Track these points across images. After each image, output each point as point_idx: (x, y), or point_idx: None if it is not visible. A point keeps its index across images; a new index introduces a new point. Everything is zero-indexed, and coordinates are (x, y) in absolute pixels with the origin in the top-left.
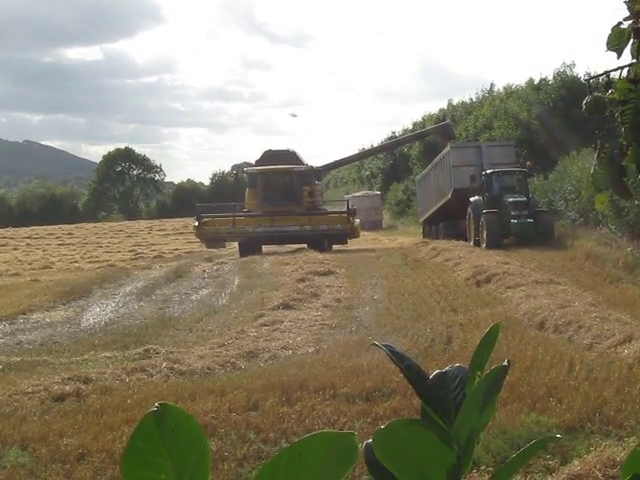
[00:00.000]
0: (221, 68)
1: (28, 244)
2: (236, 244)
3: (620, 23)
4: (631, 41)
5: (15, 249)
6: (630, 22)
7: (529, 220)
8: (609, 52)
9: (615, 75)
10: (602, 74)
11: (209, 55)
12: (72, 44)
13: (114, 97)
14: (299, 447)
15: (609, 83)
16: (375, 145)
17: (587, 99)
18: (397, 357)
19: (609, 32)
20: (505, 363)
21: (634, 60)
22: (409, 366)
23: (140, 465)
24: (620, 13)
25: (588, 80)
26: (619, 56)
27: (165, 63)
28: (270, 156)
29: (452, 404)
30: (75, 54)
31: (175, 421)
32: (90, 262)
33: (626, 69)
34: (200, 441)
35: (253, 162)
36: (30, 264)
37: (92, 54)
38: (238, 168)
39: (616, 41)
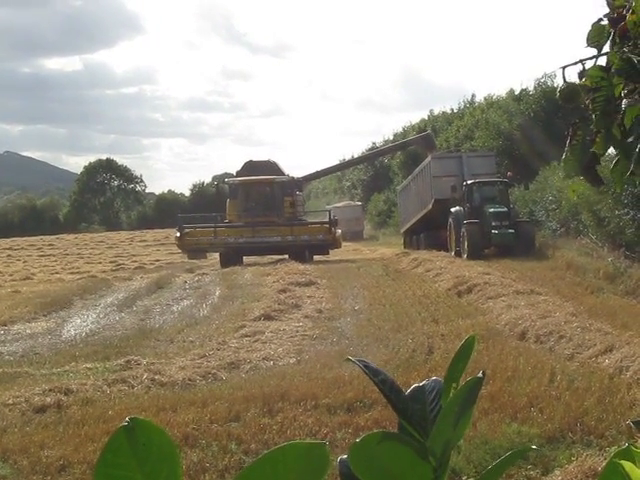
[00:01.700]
0: (201, 78)
1: (9, 255)
2: (217, 255)
3: (600, 19)
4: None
5: None
6: (609, 14)
7: (510, 230)
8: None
9: (591, 64)
10: (576, 62)
11: (189, 65)
12: (51, 54)
13: (94, 107)
14: (270, 458)
15: (583, 72)
16: (356, 156)
17: (561, 87)
18: (371, 372)
19: (589, 28)
20: (480, 375)
21: (610, 50)
22: (384, 380)
23: (112, 479)
24: (600, 10)
25: (563, 68)
26: (599, 52)
27: (145, 73)
28: (251, 167)
29: (428, 417)
30: (54, 64)
31: (146, 435)
32: (71, 273)
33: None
34: (171, 455)
35: (234, 173)
36: (11, 275)
37: (72, 64)
38: (219, 179)
39: (596, 37)
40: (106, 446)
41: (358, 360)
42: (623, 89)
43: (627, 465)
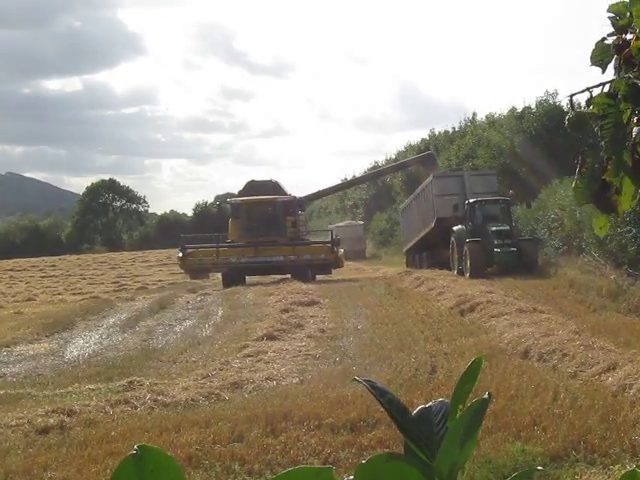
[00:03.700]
0: (201, 98)
1: (11, 276)
2: (220, 275)
3: (604, 38)
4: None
5: None
6: (614, 38)
7: (512, 249)
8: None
9: (598, 91)
10: (583, 90)
11: (189, 85)
12: (51, 75)
13: (95, 128)
14: None
15: (590, 99)
16: (358, 175)
17: (569, 115)
18: (378, 392)
19: (593, 47)
20: (485, 396)
21: (615, 76)
22: (390, 400)
23: None
24: (605, 29)
25: (570, 97)
26: (603, 71)
27: (145, 94)
28: (253, 187)
29: (435, 438)
30: (55, 85)
31: (154, 462)
32: (73, 294)
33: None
34: None
35: (236, 193)
36: (13, 296)
37: (72, 85)
38: (221, 199)
39: (600, 56)
40: (114, 473)
41: (364, 380)
42: (632, 116)
43: None
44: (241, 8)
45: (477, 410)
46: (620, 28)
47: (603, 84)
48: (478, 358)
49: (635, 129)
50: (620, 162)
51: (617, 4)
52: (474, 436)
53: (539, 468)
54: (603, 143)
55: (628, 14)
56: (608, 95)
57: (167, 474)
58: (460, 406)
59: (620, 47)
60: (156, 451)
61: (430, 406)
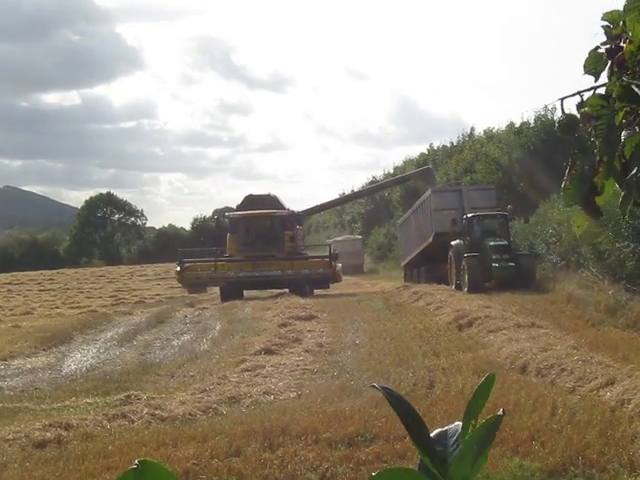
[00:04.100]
0: (199, 112)
1: (9, 290)
2: (218, 289)
3: (598, 47)
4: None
5: None
6: (607, 46)
7: (510, 264)
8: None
9: (589, 95)
10: (574, 94)
11: (187, 99)
12: (50, 89)
13: (93, 142)
14: None
15: (582, 103)
16: (356, 189)
17: (560, 118)
18: (395, 401)
19: (586, 56)
20: (499, 413)
21: (607, 80)
22: (407, 412)
23: None
24: (598, 38)
25: (561, 100)
26: (596, 79)
27: (143, 108)
28: (251, 201)
29: (449, 458)
30: (53, 99)
31: (154, 476)
32: (71, 308)
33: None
34: None
35: (234, 207)
36: (11, 310)
37: (70, 99)
38: (219, 213)
39: (593, 65)
40: None
41: (382, 387)
42: (623, 118)
43: None
44: (240, 22)
45: (490, 427)
46: (614, 37)
47: (595, 88)
48: (491, 375)
49: (624, 132)
50: (611, 164)
51: (611, 12)
52: (486, 452)
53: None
54: (597, 144)
55: (621, 23)
56: (602, 97)
57: None
58: (472, 421)
59: (613, 51)
60: (156, 466)
61: (446, 430)
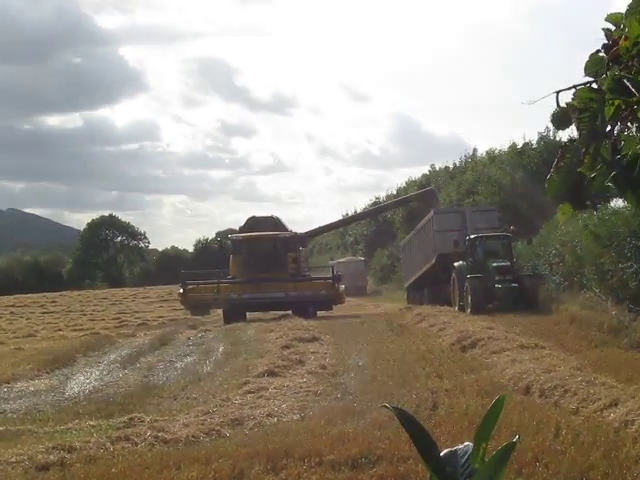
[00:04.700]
0: (201, 135)
1: (12, 312)
2: (221, 311)
3: (598, 51)
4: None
5: None
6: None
7: (513, 285)
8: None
9: None
10: (569, 88)
11: (189, 121)
12: (51, 111)
13: (95, 164)
14: None
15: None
16: (359, 211)
17: (554, 111)
18: (406, 421)
19: (587, 59)
20: (515, 439)
21: (603, 75)
22: (417, 431)
23: None
24: (600, 43)
25: (557, 93)
26: (596, 83)
27: (146, 130)
28: (254, 223)
29: (460, 479)
30: (55, 121)
31: None
32: (74, 330)
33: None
34: None
35: (237, 229)
36: (14, 332)
37: (72, 121)
38: (222, 235)
39: (594, 67)
40: None
41: (393, 407)
42: (617, 112)
43: None
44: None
45: (505, 452)
46: (614, 40)
47: (590, 82)
48: (501, 397)
49: (617, 126)
50: (596, 156)
51: (614, 14)
52: (500, 476)
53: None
54: (580, 135)
55: (622, 26)
56: (591, 90)
57: None
58: (483, 444)
59: (609, 47)
60: None
61: (456, 449)
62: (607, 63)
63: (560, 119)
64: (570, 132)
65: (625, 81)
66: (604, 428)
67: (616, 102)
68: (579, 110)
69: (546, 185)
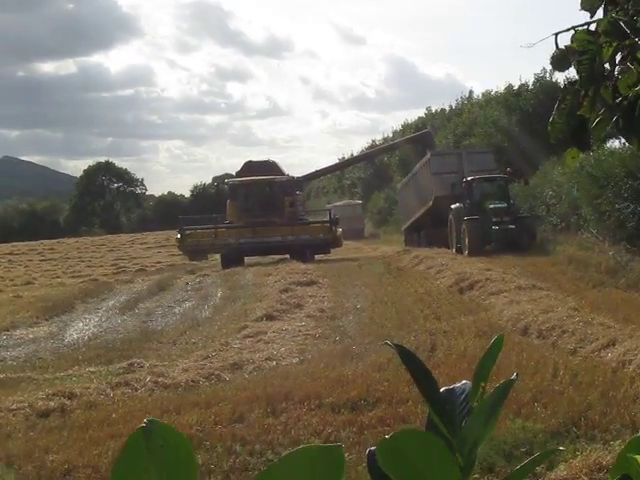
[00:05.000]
0: (196, 80)
1: (10, 260)
2: (218, 256)
3: None
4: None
5: None
6: None
7: (511, 226)
8: None
9: None
10: (569, 29)
11: (184, 66)
12: (46, 58)
13: (90, 110)
14: (284, 463)
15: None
16: (355, 154)
17: (553, 53)
18: (406, 357)
19: None
20: (513, 377)
21: (602, 17)
22: (418, 368)
23: None
24: None
25: (555, 35)
26: (592, 16)
27: (140, 75)
28: (251, 167)
29: (458, 417)
30: (49, 68)
31: (163, 437)
32: (72, 277)
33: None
34: (189, 457)
35: (234, 173)
36: (12, 280)
37: (66, 68)
38: (219, 180)
39: (589, 1)
40: (123, 448)
41: (395, 344)
42: (615, 54)
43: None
44: None
45: (503, 390)
46: None
47: (589, 23)
48: (499, 337)
49: (617, 68)
50: (595, 98)
51: None
52: (497, 415)
53: (561, 449)
54: (580, 77)
55: None
56: (589, 32)
57: (177, 451)
58: (482, 383)
59: None
60: (166, 426)
61: (453, 387)
62: (605, 7)
63: (559, 61)
64: (567, 74)
65: (621, 23)
66: (602, 368)
67: (614, 44)
68: (578, 52)
69: (549, 128)
